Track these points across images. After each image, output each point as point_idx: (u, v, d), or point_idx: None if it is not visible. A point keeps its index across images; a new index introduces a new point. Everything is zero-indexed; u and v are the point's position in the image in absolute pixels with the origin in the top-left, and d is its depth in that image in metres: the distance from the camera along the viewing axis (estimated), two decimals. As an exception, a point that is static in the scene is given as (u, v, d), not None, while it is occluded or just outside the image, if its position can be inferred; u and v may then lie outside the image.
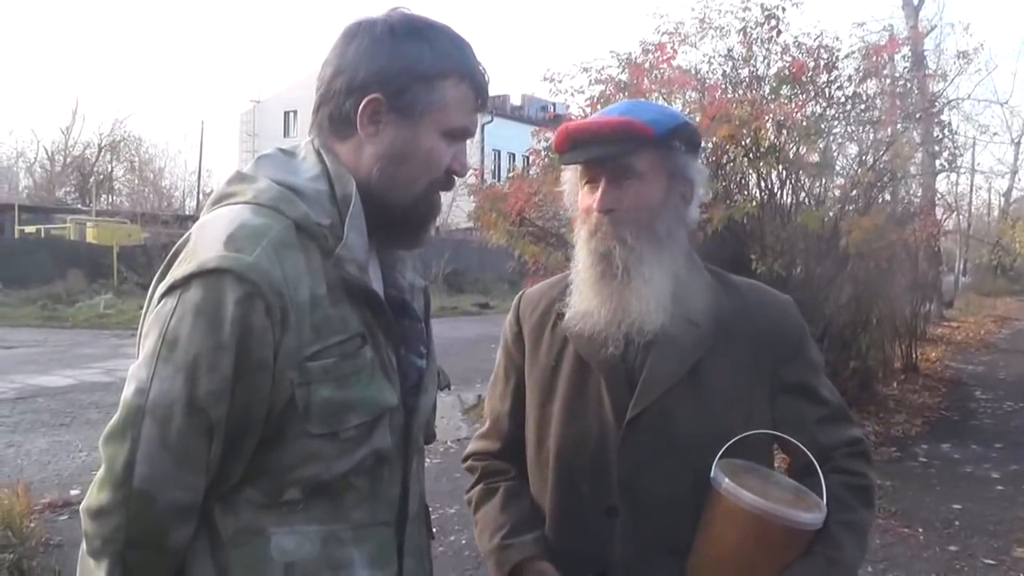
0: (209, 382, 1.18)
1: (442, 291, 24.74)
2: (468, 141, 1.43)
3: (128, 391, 1.20)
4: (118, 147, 42.55)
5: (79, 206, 35.21)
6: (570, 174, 1.67)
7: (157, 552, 1.22)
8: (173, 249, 1.29)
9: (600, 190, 1.58)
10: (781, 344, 1.64)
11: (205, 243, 1.23)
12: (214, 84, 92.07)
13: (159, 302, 1.23)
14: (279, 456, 1.25)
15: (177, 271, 1.22)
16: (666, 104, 7.04)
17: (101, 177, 41.12)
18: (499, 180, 15.26)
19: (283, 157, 1.37)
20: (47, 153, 43.04)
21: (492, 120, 34.30)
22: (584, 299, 1.62)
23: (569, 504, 1.65)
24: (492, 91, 1.44)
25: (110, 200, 37.60)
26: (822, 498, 1.51)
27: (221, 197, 1.33)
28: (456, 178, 1.41)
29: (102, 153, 42.28)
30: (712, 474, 1.50)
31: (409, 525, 1.40)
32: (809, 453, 1.55)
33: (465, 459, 1.86)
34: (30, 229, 26.77)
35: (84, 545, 1.24)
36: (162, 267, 1.28)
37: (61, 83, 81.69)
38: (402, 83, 1.31)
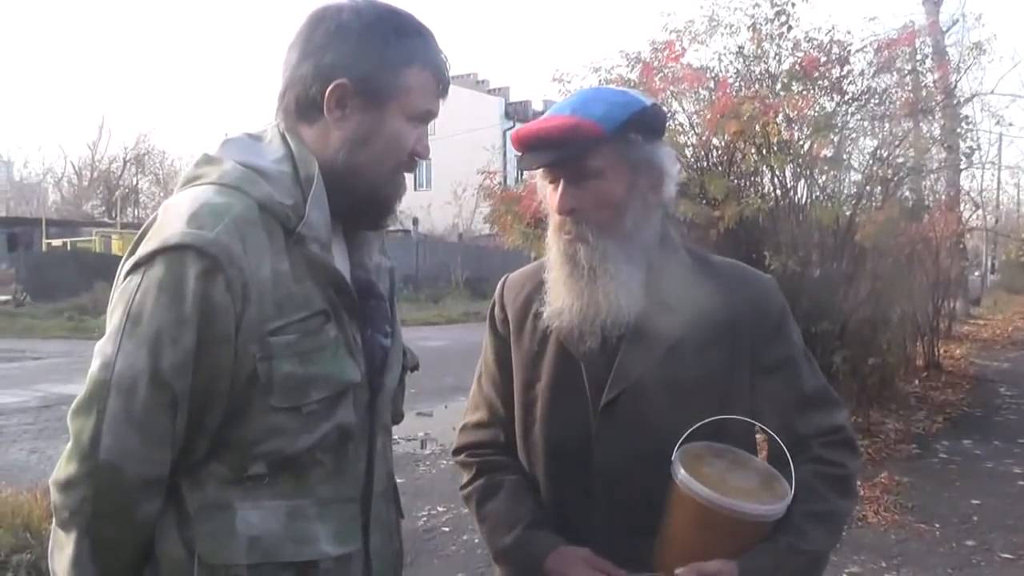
0: (172, 355, 1.20)
1: (464, 296, 25.27)
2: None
3: (94, 366, 1.22)
4: (143, 160, 43.00)
5: (105, 219, 35.60)
6: (539, 174, 1.64)
7: (125, 525, 1.24)
8: (141, 230, 1.32)
9: (559, 191, 1.56)
10: (760, 323, 1.60)
11: (169, 222, 1.26)
12: (235, 95, 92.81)
13: (124, 279, 1.26)
14: (243, 430, 1.27)
15: (142, 249, 1.25)
16: (673, 96, 6.99)
17: (127, 190, 41.56)
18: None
19: (249, 140, 1.40)
20: (74, 168, 43.63)
21: (515, 126, 34.09)
22: (557, 297, 1.61)
23: (554, 487, 1.65)
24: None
25: (135, 213, 37.93)
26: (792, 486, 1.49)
27: (188, 179, 1.35)
28: (421, 160, 1.44)
29: (127, 167, 42.75)
30: (672, 460, 1.49)
31: (375, 502, 1.42)
32: (781, 441, 1.52)
33: (457, 452, 1.82)
34: (56, 243, 27.12)
35: (54, 518, 1.26)
36: (130, 247, 1.31)
37: (88, 99, 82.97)
38: (368, 69, 1.34)
